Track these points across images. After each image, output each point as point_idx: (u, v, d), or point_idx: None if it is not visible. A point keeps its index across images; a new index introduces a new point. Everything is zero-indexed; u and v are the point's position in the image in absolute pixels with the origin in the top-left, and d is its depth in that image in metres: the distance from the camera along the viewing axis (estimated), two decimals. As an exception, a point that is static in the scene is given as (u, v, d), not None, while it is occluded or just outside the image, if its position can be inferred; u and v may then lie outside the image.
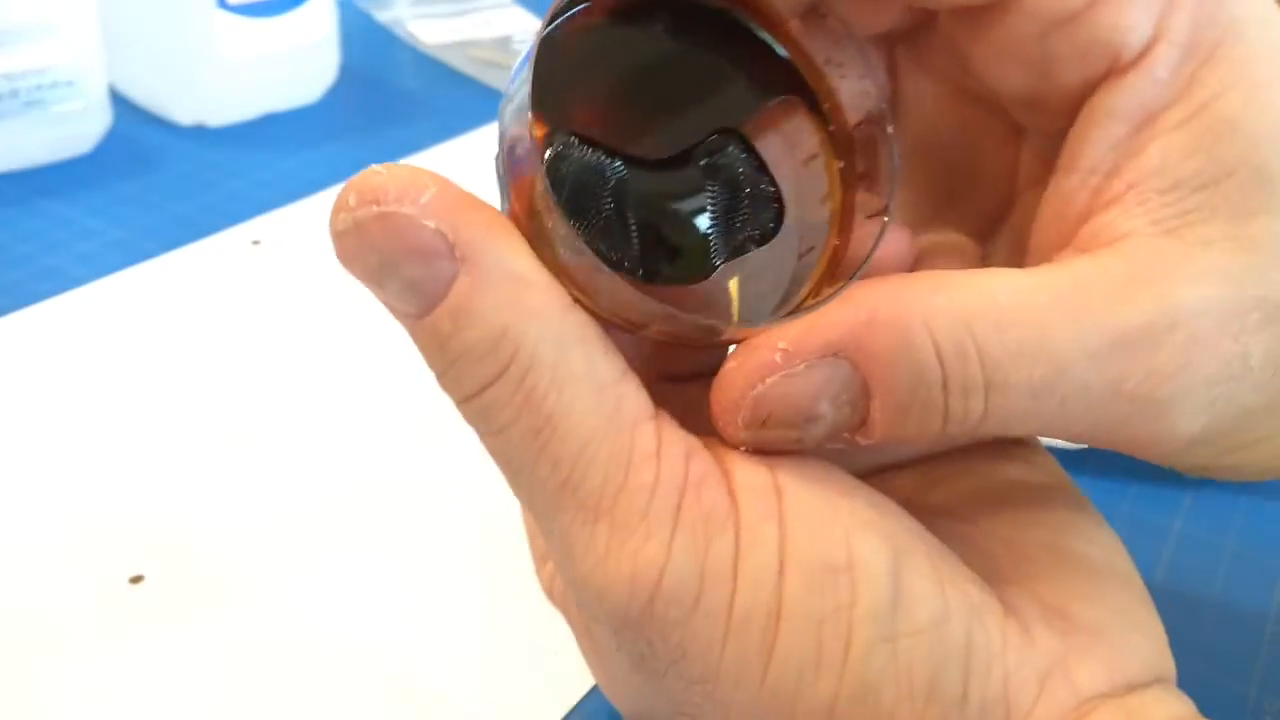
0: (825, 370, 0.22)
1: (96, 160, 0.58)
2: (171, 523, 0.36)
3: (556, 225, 0.21)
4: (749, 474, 0.22)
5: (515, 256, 0.21)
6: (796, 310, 0.23)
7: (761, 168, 0.24)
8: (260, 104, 0.63)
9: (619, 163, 0.23)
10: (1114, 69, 0.23)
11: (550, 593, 0.28)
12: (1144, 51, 0.22)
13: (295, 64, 0.63)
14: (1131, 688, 0.23)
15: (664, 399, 0.23)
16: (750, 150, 0.24)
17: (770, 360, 0.22)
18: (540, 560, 0.28)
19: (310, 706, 0.30)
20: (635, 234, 0.23)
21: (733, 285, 0.24)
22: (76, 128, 0.57)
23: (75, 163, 0.57)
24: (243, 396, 0.42)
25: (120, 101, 0.62)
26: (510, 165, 0.22)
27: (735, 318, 0.24)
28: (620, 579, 0.22)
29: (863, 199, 0.24)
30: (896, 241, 0.25)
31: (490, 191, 0.23)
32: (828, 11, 0.24)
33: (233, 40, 0.60)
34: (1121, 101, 0.23)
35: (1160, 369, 0.22)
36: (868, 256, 0.23)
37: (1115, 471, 0.37)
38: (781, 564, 0.22)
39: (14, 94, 0.53)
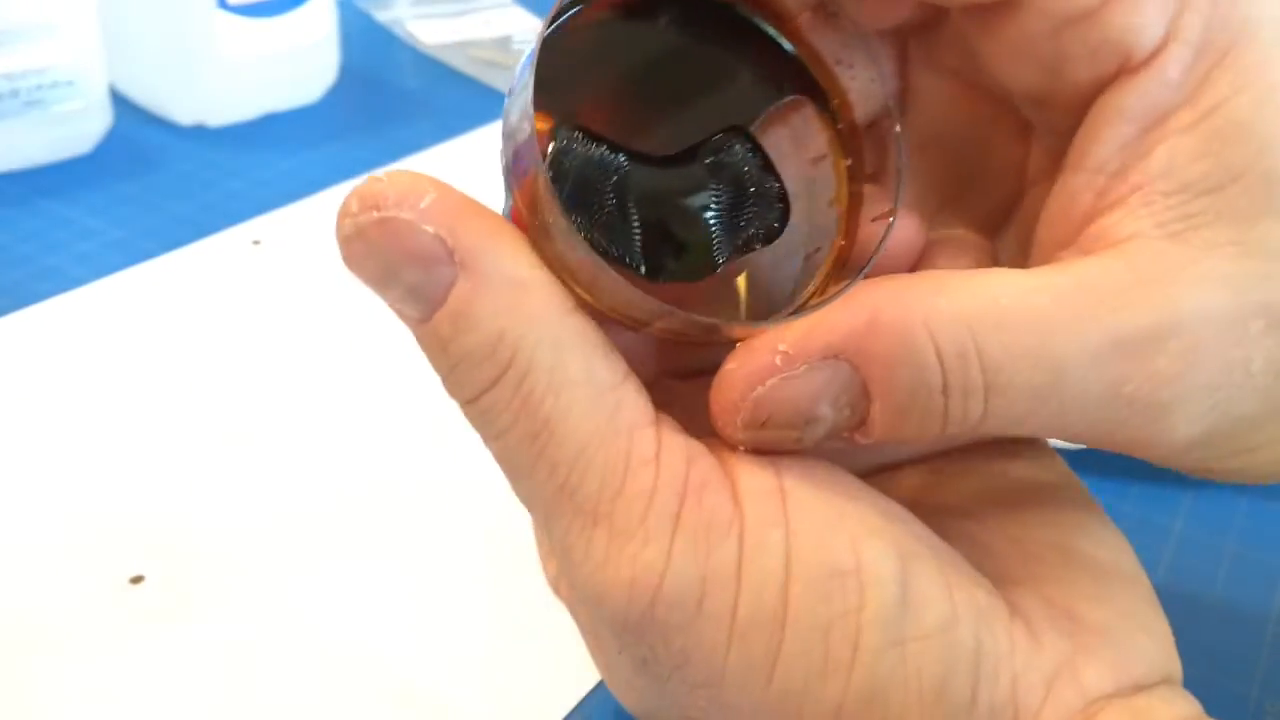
0: (825, 372, 0.22)
1: (96, 160, 0.58)
2: (171, 523, 0.36)
3: (557, 220, 0.21)
4: (754, 478, 0.22)
5: (514, 261, 0.21)
6: (799, 310, 0.23)
7: (768, 167, 0.24)
8: (260, 104, 0.63)
9: (623, 158, 0.23)
10: (1125, 68, 0.23)
11: (556, 589, 0.28)
12: (1155, 52, 0.22)
13: (295, 64, 0.63)
14: (1138, 688, 0.23)
15: (671, 396, 0.23)
16: (757, 149, 0.24)
17: (770, 362, 0.22)
18: (546, 556, 0.28)
19: (310, 706, 0.30)
20: (638, 230, 0.23)
21: (736, 284, 0.24)
22: (76, 128, 0.57)
23: (75, 163, 0.57)
24: (243, 397, 0.42)
25: (120, 101, 0.62)
26: (514, 160, 0.22)
27: (740, 316, 0.23)
28: (619, 584, 0.22)
29: (870, 199, 0.24)
30: (907, 229, 0.25)
31: (492, 192, 0.23)
32: (837, 10, 0.24)
33: (233, 40, 0.60)
34: (1131, 101, 0.23)
35: (1160, 373, 0.22)
36: (871, 257, 0.22)
37: (1115, 471, 0.37)
38: (787, 569, 0.21)
39: (14, 94, 0.53)
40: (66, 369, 0.43)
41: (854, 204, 0.24)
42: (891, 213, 0.23)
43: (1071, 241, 0.23)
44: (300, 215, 0.54)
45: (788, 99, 0.24)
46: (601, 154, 0.23)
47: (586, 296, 0.22)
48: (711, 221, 0.23)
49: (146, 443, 0.39)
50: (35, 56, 0.53)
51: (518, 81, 0.21)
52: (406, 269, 0.21)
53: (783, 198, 0.24)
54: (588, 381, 0.22)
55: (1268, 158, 0.22)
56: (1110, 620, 0.24)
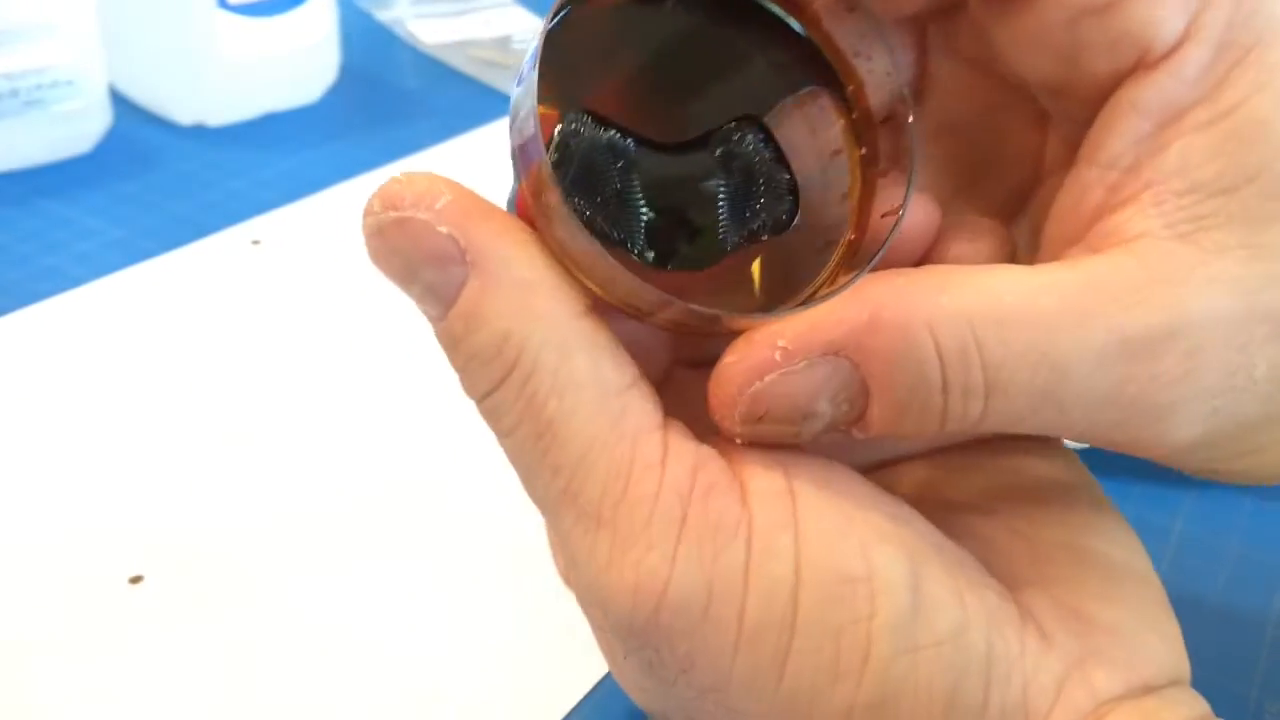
0: (825, 368, 0.21)
1: (96, 160, 0.58)
2: (171, 523, 0.36)
3: (559, 206, 0.21)
4: (763, 480, 0.22)
5: (525, 262, 0.22)
6: (803, 302, 0.23)
7: (779, 158, 0.24)
8: (260, 104, 0.63)
9: (632, 144, 0.23)
10: (1143, 63, 0.22)
11: (567, 580, 0.28)
12: (1175, 47, 0.22)
13: (295, 64, 0.63)
14: (1148, 689, 0.23)
15: (684, 386, 0.23)
16: (769, 139, 0.24)
17: (769, 357, 0.21)
18: (555, 546, 0.28)
19: (310, 706, 0.30)
20: (644, 217, 0.23)
21: (743, 274, 0.23)
22: (76, 127, 0.57)
23: (75, 162, 0.57)
24: (242, 396, 0.42)
25: (120, 101, 0.62)
26: (519, 143, 0.22)
27: (745, 307, 0.23)
28: (623, 589, 0.21)
29: (883, 190, 0.24)
30: (921, 215, 0.24)
31: (493, 192, 0.23)
32: (856, 3, 0.24)
33: (233, 40, 0.60)
34: (1147, 96, 0.22)
35: (1163, 375, 0.21)
36: (877, 253, 0.22)
37: (1116, 471, 0.37)
38: (797, 574, 0.21)
39: (14, 94, 0.53)
40: (66, 369, 0.43)
41: (866, 195, 0.24)
42: (900, 208, 0.23)
43: (1081, 237, 0.23)
44: (300, 215, 0.54)
45: (805, 89, 0.24)
46: (610, 139, 0.23)
47: (590, 285, 0.22)
48: (719, 211, 0.23)
49: (146, 442, 0.39)
50: (35, 56, 0.53)
51: (527, 63, 0.21)
52: (423, 268, 0.22)
53: (793, 190, 0.24)
54: (594, 384, 0.22)
55: None
56: (1121, 621, 0.23)
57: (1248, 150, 0.22)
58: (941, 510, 0.24)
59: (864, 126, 0.24)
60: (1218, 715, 0.23)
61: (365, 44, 0.74)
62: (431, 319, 0.22)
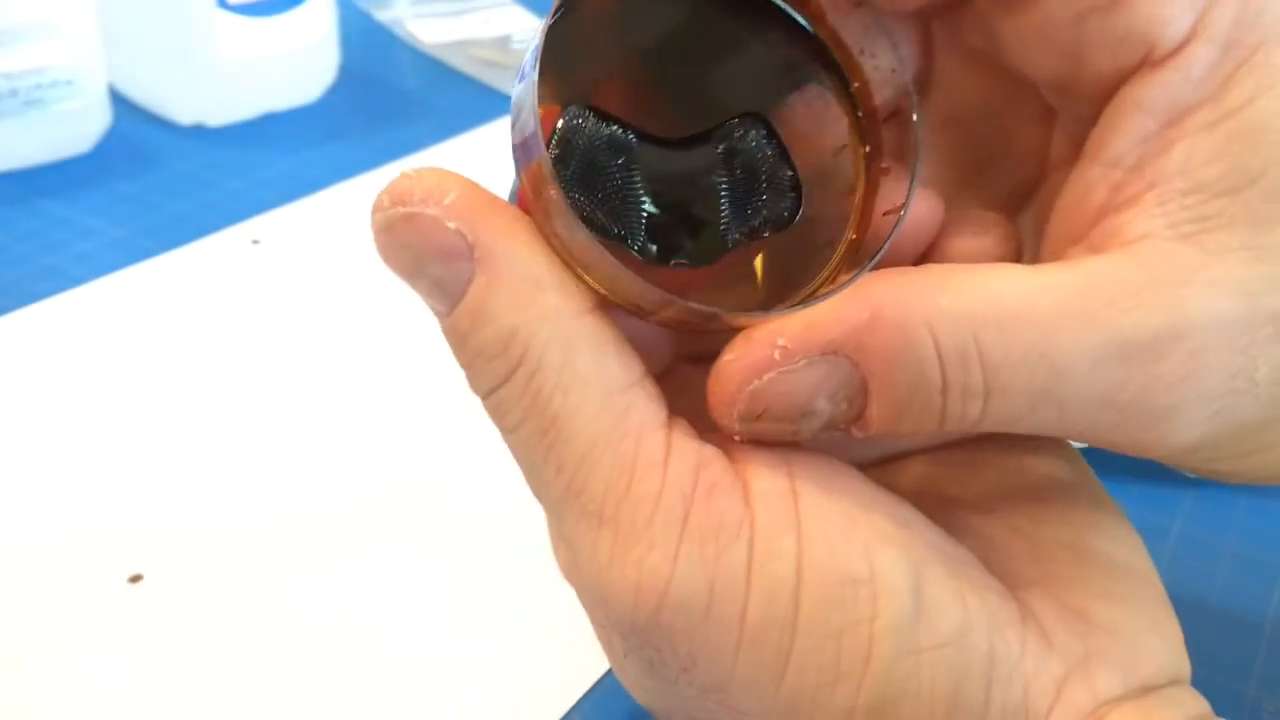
0: (824, 367, 0.21)
1: (96, 160, 0.58)
2: (171, 522, 0.36)
3: (557, 202, 0.21)
4: (766, 482, 0.22)
5: (532, 258, 0.22)
6: (803, 300, 0.23)
7: (782, 155, 0.24)
8: (260, 104, 0.63)
9: (634, 139, 0.23)
10: (1148, 61, 0.22)
11: (569, 577, 0.28)
12: (1181, 46, 0.22)
13: (295, 64, 0.63)
14: (1148, 689, 0.23)
15: (686, 382, 0.23)
16: (772, 135, 0.24)
17: (769, 356, 0.21)
18: (556, 541, 0.28)
19: (310, 705, 0.30)
20: (645, 213, 0.23)
21: (744, 271, 0.23)
22: (76, 127, 0.57)
23: (74, 162, 0.57)
24: (242, 396, 0.42)
25: (120, 101, 0.62)
26: (519, 138, 0.22)
27: (745, 305, 0.23)
28: (625, 587, 0.21)
29: (886, 187, 0.24)
30: (925, 209, 0.24)
31: (494, 190, 0.23)
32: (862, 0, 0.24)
33: (233, 40, 0.60)
34: (1152, 95, 0.22)
35: (1162, 378, 0.21)
36: (877, 252, 0.22)
37: (1115, 471, 0.37)
38: (799, 575, 0.21)
39: (13, 93, 0.53)
40: (66, 368, 0.43)
41: (869, 192, 0.24)
42: (903, 206, 0.23)
43: (1084, 235, 0.23)
44: (299, 215, 0.54)
45: (807, 86, 0.24)
46: (612, 134, 0.22)
47: (590, 281, 0.22)
48: (721, 207, 0.23)
49: (146, 442, 0.39)
50: (35, 56, 0.53)
51: (528, 59, 0.21)
52: (431, 263, 0.22)
53: (795, 186, 0.24)
54: (598, 382, 0.22)
55: None
56: (1122, 620, 0.23)
57: (1252, 151, 0.22)
58: (942, 507, 0.24)
59: (868, 123, 0.24)
60: (1218, 712, 0.23)
61: (364, 44, 0.74)
62: (438, 315, 0.22)
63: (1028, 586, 0.24)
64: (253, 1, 0.60)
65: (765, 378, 0.21)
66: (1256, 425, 0.23)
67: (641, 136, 0.23)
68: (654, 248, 0.23)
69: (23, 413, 0.40)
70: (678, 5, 0.24)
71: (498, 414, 0.22)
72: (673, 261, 0.23)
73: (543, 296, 0.21)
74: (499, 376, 0.22)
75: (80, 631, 0.32)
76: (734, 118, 0.23)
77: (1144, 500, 0.37)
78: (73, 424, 0.40)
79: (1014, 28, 0.23)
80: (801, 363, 0.21)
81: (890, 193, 0.23)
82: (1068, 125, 0.25)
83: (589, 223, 0.21)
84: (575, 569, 0.23)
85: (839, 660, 0.21)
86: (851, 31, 0.24)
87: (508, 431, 0.22)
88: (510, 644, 0.32)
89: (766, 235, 0.23)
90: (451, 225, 0.21)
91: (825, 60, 0.24)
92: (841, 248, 0.24)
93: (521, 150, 0.21)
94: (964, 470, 0.27)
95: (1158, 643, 0.24)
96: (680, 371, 0.25)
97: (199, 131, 0.62)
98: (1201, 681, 0.24)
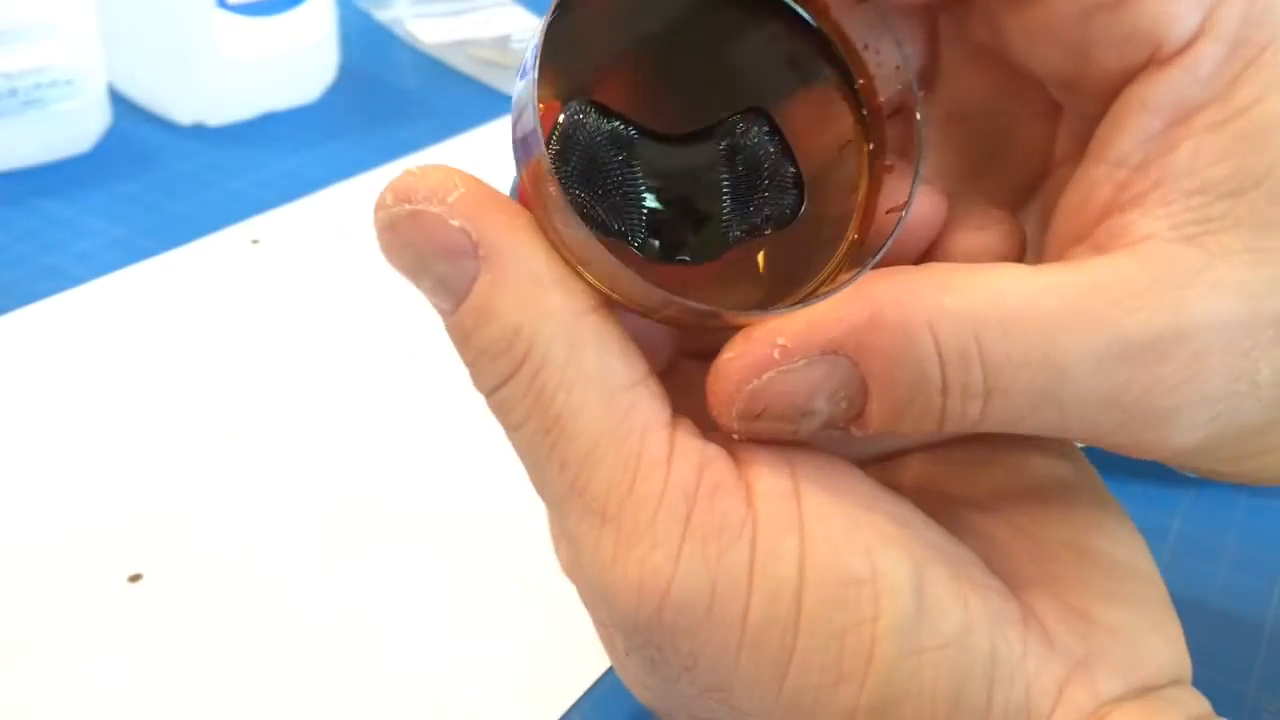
0: (824, 367, 0.21)
1: (95, 159, 0.58)
2: (171, 522, 0.36)
3: (557, 198, 0.21)
4: (769, 482, 0.22)
5: (536, 257, 0.22)
6: (803, 299, 0.23)
7: (785, 151, 0.23)
8: (260, 103, 0.63)
9: (635, 134, 0.23)
10: (1155, 59, 0.22)
11: (571, 576, 0.28)
12: (1188, 44, 0.22)
13: (294, 63, 0.63)
14: (1149, 689, 0.23)
15: (688, 379, 0.23)
16: (775, 131, 0.23)
17: (768, 355, 0.21)
18: (558, 539, 0.28)
19: (310, 704, 0.30)
20: (645, 209, 0.22)
21: (745, 269, 0.23)
22: (76, 127, 0.57)
23: (74, 162, 0.57)
24: (242, 396, 0.42)
25: (120, 101, 0.62)
26: (520, 134, 0.21)
27: (747, 303, 0.23)
28: (627, 586, 0.21)
29: (889, 185, 0.23)
30: (928, 206, 0.24)
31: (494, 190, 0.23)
32: None
33: (233, 40, 0.60)
34: (1158, 94, 0.22)
35: (1164, 380, 0.21)
36: (879, 251, 0.22)
37: (1115, 471, 0.37)
38: (801, 575, 0.21)
39: (13, 93, 0.53)
40: (65, 368, 0.43)
41: (872, 189, 0.24)
42: (905, 205, 0.23)
43: (1087, 235, 0.23)
44: (299, 214, 0.54)
45: (811, 82, 0.24)
46: (614, 130, 0.22)
47: (590, 279, 0.22)
48: (723, 204, 0.23)
49: (146, 442, 0.39)
50: (34, 56, 0.53)
51: (529, 54, 0.21)
52: (435, 261, 0.22)
53: (798, 183, 0.23)
54: (601, 380, 0.22)
55: None
56: (1123, 620, 0.23)
57: (1258, 152, 0.21)
58: (943, 505, 0.24)
59: (871, 120, 0.24)
60: (1218, 712, 0.23)
61: (364, 43, 0.74)
62: (442, 313, 0.22)
63: (1029, 586, 0.24)
64: (252, 1, 0.60)
65: (765, 377, 0.21)
66: (1258, 427, 0.23)
67: (643, 132, 0.23)
68: (655, 244, 0.23)
69: (23, 413, 0.40)
70: (684, 1, 0.24)
71: (501, 412, 0.22)
72: (674, 258, 0.23)
73: (547, 294, 0.21)
74: (503, 374, 0.22)
75: (80, 631, 0.32)
76: (736, 113, 0.23)
77: (1144, 500, 0.37)
78: (73, 424, 0.40)
79: (1020, 23, 0.23)
80: (801, 362, 0.21)
81: (893, 190, 0.23)
82: (1073, 122, 0.25)
83: (589, 219, 0.21)
84: (577, 567, 0.23)
85: (841, 660, 0.21)
86: (856, 27, 0.24)
87: (511, 429, 0.22)
88: (510, 643, 0.32)
89: (768, 232, 0.23)
90: (456, 223, 0.21)
91: (829, 56, 0.24)
92: (843, 246, 0.24)
93: (522, 146, 0.21)
94: (965, 468, 0.27)
95: (1159, 643, 0.24)
96: (683, 368, 0.25)
97: (199, 131, 0.62)
98: (1201, 681, 0.24)
